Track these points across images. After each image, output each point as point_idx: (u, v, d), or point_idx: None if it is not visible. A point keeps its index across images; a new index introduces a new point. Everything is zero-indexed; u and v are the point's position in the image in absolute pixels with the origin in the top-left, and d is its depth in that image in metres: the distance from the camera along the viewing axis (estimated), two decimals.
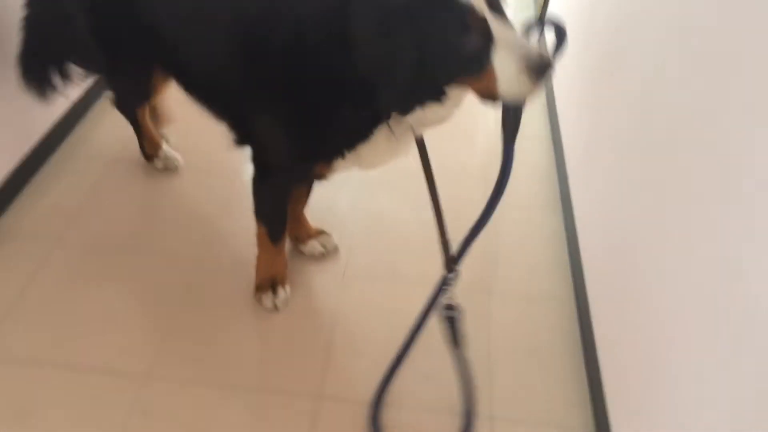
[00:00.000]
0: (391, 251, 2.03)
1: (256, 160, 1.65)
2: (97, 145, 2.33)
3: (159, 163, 2.24)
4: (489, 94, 1.21)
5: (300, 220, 1.97)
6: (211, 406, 1.57)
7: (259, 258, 1.83)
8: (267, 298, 1.80)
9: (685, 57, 1.38)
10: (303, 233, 1.98)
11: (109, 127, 2.40)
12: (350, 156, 1.48)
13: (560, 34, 1.23)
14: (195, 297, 1.83)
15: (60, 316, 1.75)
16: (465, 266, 1.53)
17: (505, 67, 1.16)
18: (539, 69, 1.14)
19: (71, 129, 2.37)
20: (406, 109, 1.31)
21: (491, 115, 1.38)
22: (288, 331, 1.77)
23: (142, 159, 2.25)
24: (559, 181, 2.33)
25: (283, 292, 1.82)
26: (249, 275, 1.85)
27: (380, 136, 1.42)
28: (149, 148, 2.22)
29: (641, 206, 1.51)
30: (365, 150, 1.46)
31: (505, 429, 1.58)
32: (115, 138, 2.35)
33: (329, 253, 1.99)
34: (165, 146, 2.24)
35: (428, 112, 1.32)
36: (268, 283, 1.81)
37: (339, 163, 1.51)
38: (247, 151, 1.65)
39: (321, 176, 1.62)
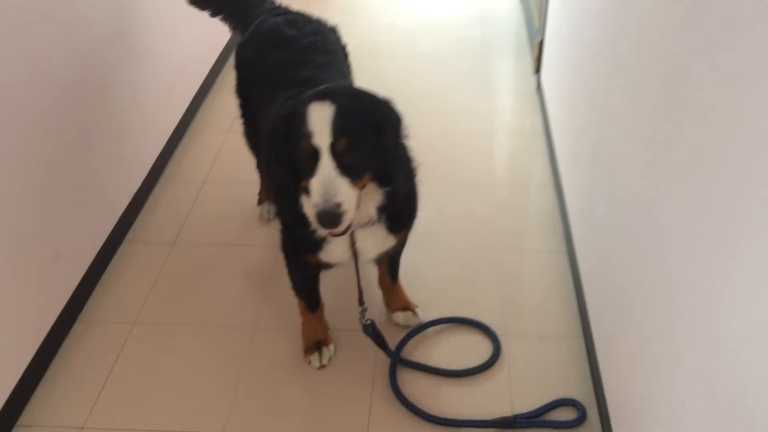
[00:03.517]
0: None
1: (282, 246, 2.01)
2: (156, 231, 2.70)
3: (265, 209, 2.70)
4: None
5: (390, 291, 2.21)
6: None
7: (303, 325, 2.16)
8: (314, 359, 2.12)
9: None
10: (392, 303, 2.23)
11: (165, 212, 2.78)
12: (325, 249, 1.80)
13: None
14: (255, 363, 2.17)
15: (144, 388, 2.10)
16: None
17: (311, 197, 1.53)
18: (322, 218, 1.50)
19: (134, 218, 2.74)
20: (288, 193, 1.69)
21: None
22: (335, 382, 2.09)
23: (194, 240, 2.66)
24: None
25: (327, 351, 2.14)
26: (298, 339, 2.18)
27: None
28: (263, 196, 2.71)
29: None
30: (331, 245, 1.78)
31: None
32: (171, 223, 2.73)
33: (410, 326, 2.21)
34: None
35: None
36: (314, 346, 2.13)
37: (323, 255, 1.82)
38: None
39: (320, 266, 1.90)
